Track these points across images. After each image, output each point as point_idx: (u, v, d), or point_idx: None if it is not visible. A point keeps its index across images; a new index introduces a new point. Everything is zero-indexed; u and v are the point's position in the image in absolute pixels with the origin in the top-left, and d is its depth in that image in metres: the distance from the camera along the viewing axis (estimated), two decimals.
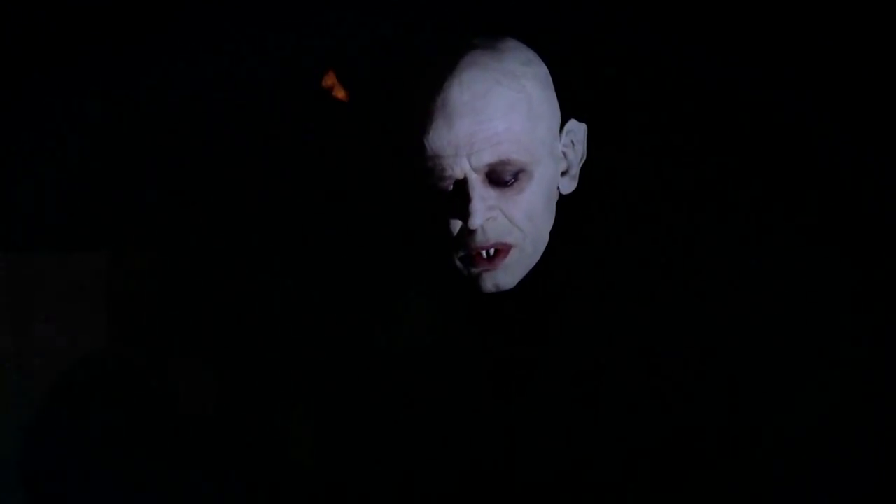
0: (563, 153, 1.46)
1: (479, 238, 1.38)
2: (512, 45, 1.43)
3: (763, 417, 1.47)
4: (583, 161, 1.48)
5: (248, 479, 1.65)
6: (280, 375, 1.63)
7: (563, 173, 1.47)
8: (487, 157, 1.36)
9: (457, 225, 1.39)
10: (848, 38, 1.63)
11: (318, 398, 1.53)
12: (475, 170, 1.36)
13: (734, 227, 1.61)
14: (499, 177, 1.37)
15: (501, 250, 1.40)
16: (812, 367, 1.51)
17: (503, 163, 1.37)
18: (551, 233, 1.46)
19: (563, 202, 1.48)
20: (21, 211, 1.77)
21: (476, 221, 1.36)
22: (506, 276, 1.42)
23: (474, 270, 1.41)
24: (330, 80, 1.85)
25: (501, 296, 1.44)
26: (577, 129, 1.47)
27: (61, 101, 1.76)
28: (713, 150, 1.66)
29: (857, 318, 1.56)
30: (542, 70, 1.44)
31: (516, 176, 1.38)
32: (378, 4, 1.74)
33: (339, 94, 1.85)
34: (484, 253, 1.40)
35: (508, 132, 1.36)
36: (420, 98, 1.38)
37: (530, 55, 1.43)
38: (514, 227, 1.40)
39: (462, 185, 1.37)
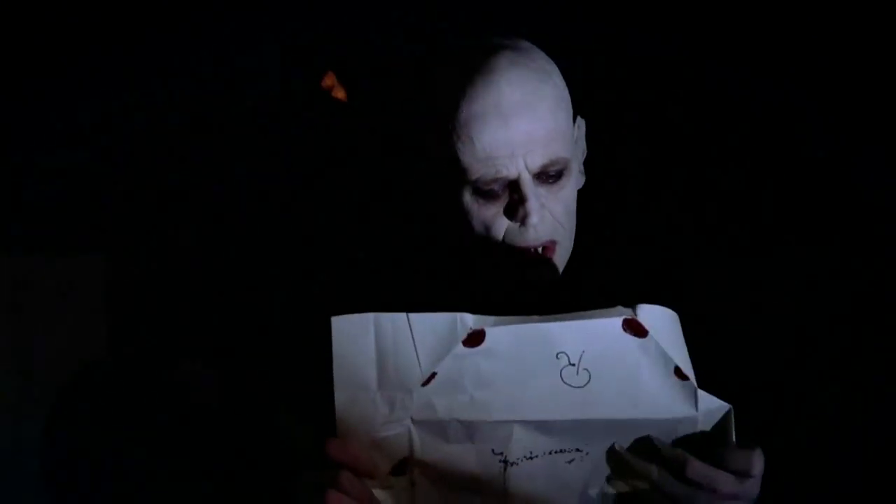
0: None
1: (532, 237, 1.37)
2: (529, 45, 1.41)
3: (775, 408, 1.51)
4: (584, 157, 1.49)
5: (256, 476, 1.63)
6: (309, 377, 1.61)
7: None
8: (541, 158, 1.35)
9: (503, 225, 1.38)
10: (854, 43, 1.68)
11: None
12: (529, 169, 1.35)
13: (732, 226, 1.67)
14: (546, 175, 1.37)
15: (549, 248, 1.40)
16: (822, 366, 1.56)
17: (553, 162, 1.36)
18: None
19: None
20: (21, 211, 1.71)
21: (534, 220, 1.35)
22: (551, 273, 1.41)
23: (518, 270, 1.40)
24: (329, 80, 1.84)
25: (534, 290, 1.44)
26: (581, 126, 1.48)
27: (61, 103, 1.71)
28: (705, 149, 1.70)
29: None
30: (557, 68, 1.43)
31: (560, 173, 1.38)
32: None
33: (339, 94, 1.84)
34: (533, 251, 1.39)
35: (557, 130, 1.36)
36: (465, 98, 1.34)
37: (545, 55, 1.42)
38: (557, 224, 1.39)
39: (515, 185, 1.35)
